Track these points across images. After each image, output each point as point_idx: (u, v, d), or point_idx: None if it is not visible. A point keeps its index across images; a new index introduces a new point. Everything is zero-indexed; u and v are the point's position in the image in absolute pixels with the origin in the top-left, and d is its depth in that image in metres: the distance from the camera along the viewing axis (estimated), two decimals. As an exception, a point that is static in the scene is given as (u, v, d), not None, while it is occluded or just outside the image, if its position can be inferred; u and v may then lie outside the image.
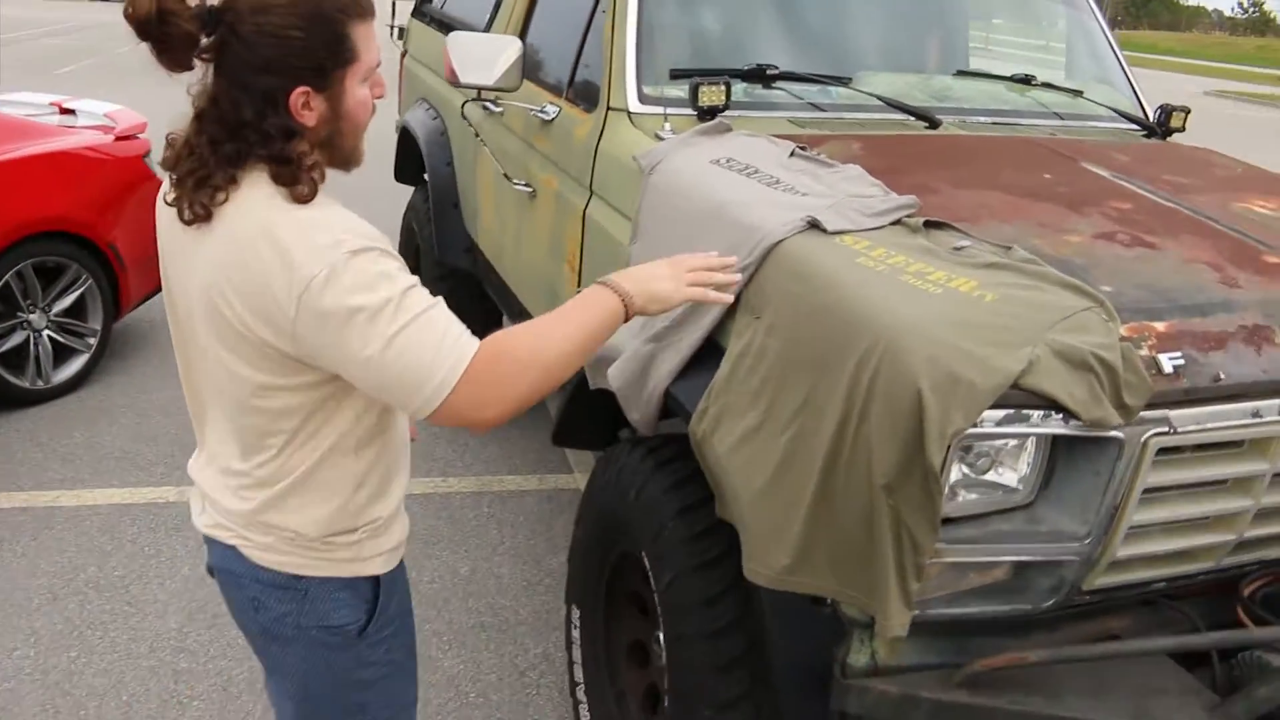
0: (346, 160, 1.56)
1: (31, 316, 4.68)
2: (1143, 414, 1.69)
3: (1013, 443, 1.72)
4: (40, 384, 4.74)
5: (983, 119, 2.98)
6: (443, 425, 1.53)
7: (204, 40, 1.44)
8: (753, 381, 1.93)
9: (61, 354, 4.86)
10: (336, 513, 1.61)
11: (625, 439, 2.56)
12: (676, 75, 2.78)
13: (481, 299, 4.23)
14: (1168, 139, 3.28)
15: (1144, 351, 1.74)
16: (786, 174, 2.27)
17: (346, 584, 1.67)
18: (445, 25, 4.66)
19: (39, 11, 27.78)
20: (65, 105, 5.47)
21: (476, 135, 3.74)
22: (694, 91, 2.63)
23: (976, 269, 1.85)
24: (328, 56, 1.45)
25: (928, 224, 2.01)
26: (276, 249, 1.40)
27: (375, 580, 1.70)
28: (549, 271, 3.11)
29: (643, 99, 2.75)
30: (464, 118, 3.70)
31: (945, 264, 1.87)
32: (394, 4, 7.83)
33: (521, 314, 3.49)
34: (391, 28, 6.10)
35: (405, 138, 4.87)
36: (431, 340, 1.41)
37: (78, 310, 4.86)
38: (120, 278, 4.95)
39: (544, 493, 4.30)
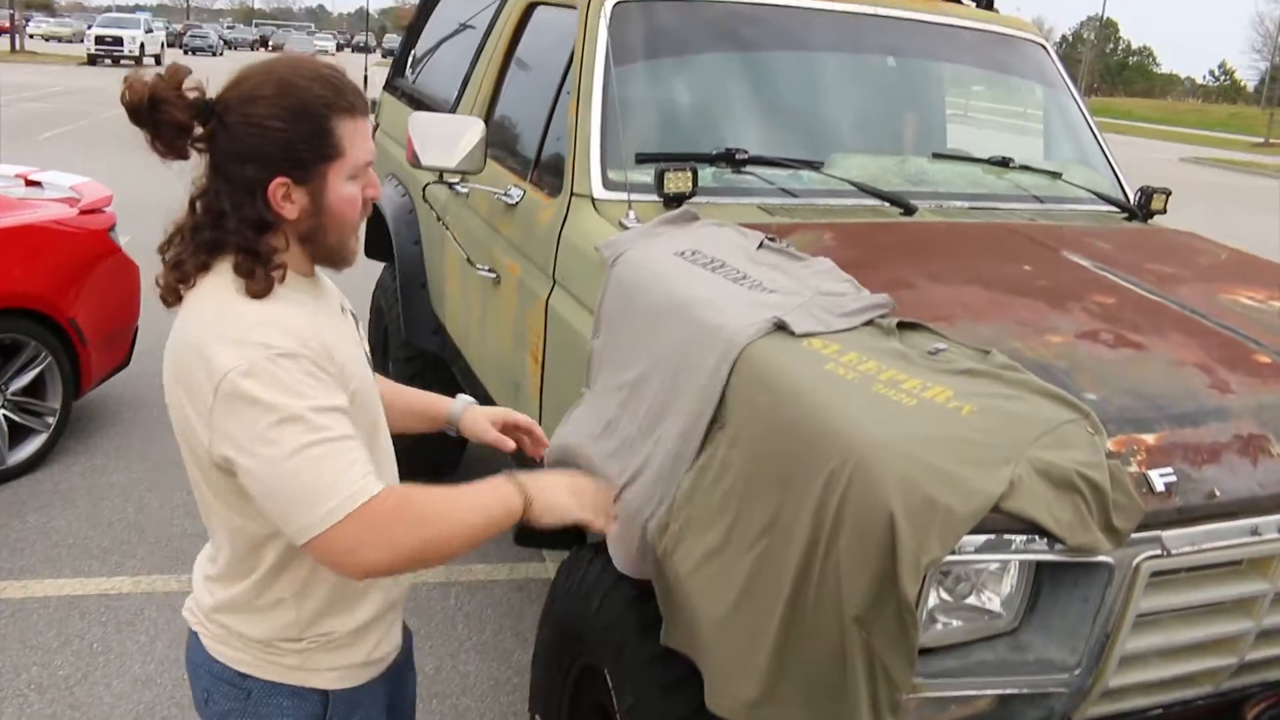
0: (333, 256, 1.56)
1: (-13, 396, 4.53)
2: (1134, 535, 1.57)
3: (994, 566, 1.59)
4: (-5, 465, 4.57)
5: (960, 203, 2.90)
6: (313, 557, 1.47)
7: (198, 129, 1.48)
8: (716, 496, 1.80)
9: (19, 433, 4.70)
10: (282, 624, 1.59)
11: (589, 544, 2.42)
12: (643, 160, 2.69)
13: (451, 383, 4.10)
14: (1149, 221, 3.20)
15: (1133, 467, 1.63)
16: (754, 268, 2.16)
17: (292, 692, 1.61)
18: (416, 100, 4.60)
19: (25, 76, 27.93)
20: (31, 177, 5.37)
21: (439, 219, 3.65)
22: (659, 178, 2.53)
23: (953, 376, 1.74)
24: (308, 150, 1.46)
25: (901, 325, 1.90)
26: (205, 336, 1.42)
27: (325, 695, 1.63)
28: (513, 363, 2.99)
29: (607, 185, 2.65)
30: (425, 200, 3.60)
31: (920, 371, 1.76)
32: (365, 76, 7.80)
33: (487, 403, 3.36)
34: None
35: (375, 214, 4.77)
36: (337, 467, 1.38)
37: (36, 388, 4.71)
38: (81, 354, 4.81)
39: (514, 582, 4.13)
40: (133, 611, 3.71)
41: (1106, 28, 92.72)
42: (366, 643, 1.66)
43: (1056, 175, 3.18)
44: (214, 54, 51.06)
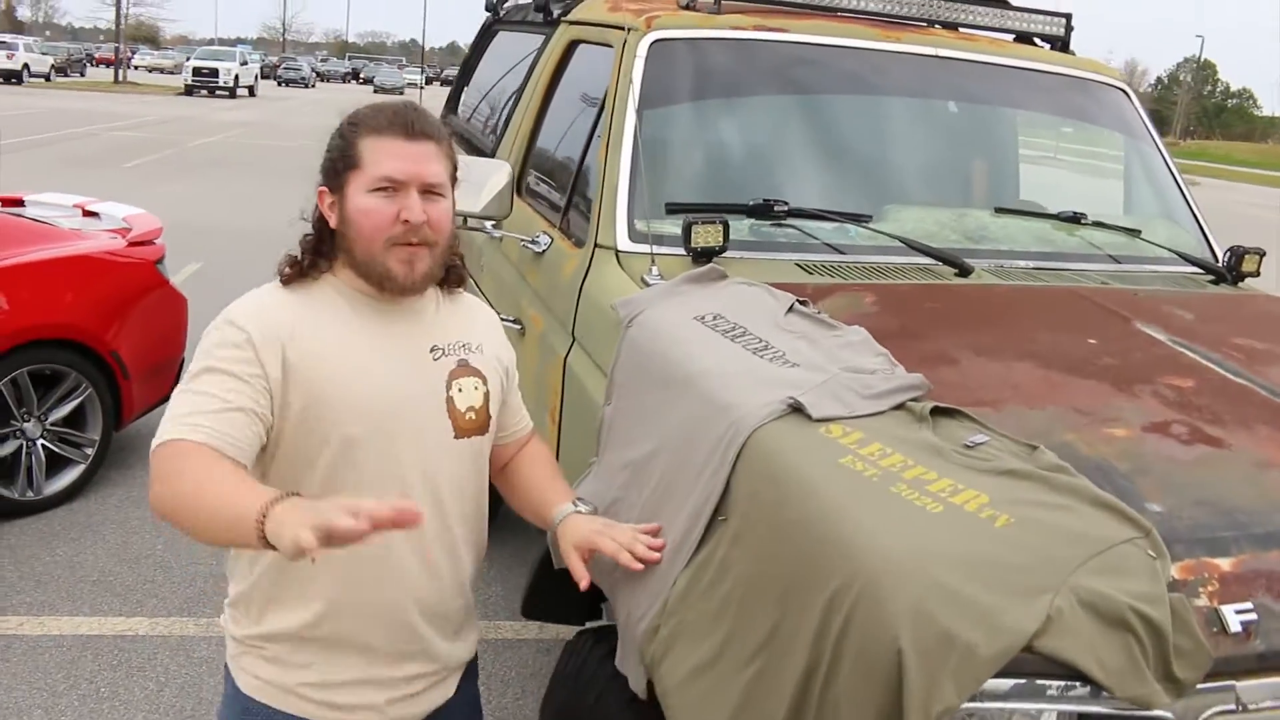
0: (370, 274, 1.64)
1: (26, 425, 4.49)
2: (1200, 686, 1.30)
3: (1024, 715, 1.34)
4: (30, 495, 4.52)
5: (1023, 263, 2.64)
6: None
7: None
8: (712, 602, 1.58)
9: (57, 463, 4.65)
10: (242, 590, 1.72)
11: (591, 629, 2.21)
12: (673, 210, 2.49)
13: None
14: (1239, 285, 2.89)
15: (1203, 601, 1.36)
16: (779, 336, 1.94)
17: (234, 692, 1.73)
18: (465, 139, 4.47)
19: (124, 105, 28.91)
20: (89, 208, 5.38)
21: (478, 261, 3.49)
22: (687, 231, 2.33)
23: (991, 477, 1.49)
24: (339, 159, 1.62)
25: (936, 411, 1.66)
26: None
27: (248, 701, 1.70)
28: (536, 421, 2.79)
29: (633, 236, 2.45)
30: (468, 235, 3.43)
31: (952, 468, 1.52)
32: None
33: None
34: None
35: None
36: (181, 410, 1.52)
37: (76, 419, 4.66)
38: (123, 386, 4.75)
39: (543, 644, 3.92)
40: (145, 655, 3.59)
41: (1204, 69, 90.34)
42: (302, 668, 1.69)
43: (1135, 232, 2.89)
44: (306, 85, 52.52)
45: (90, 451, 4.70)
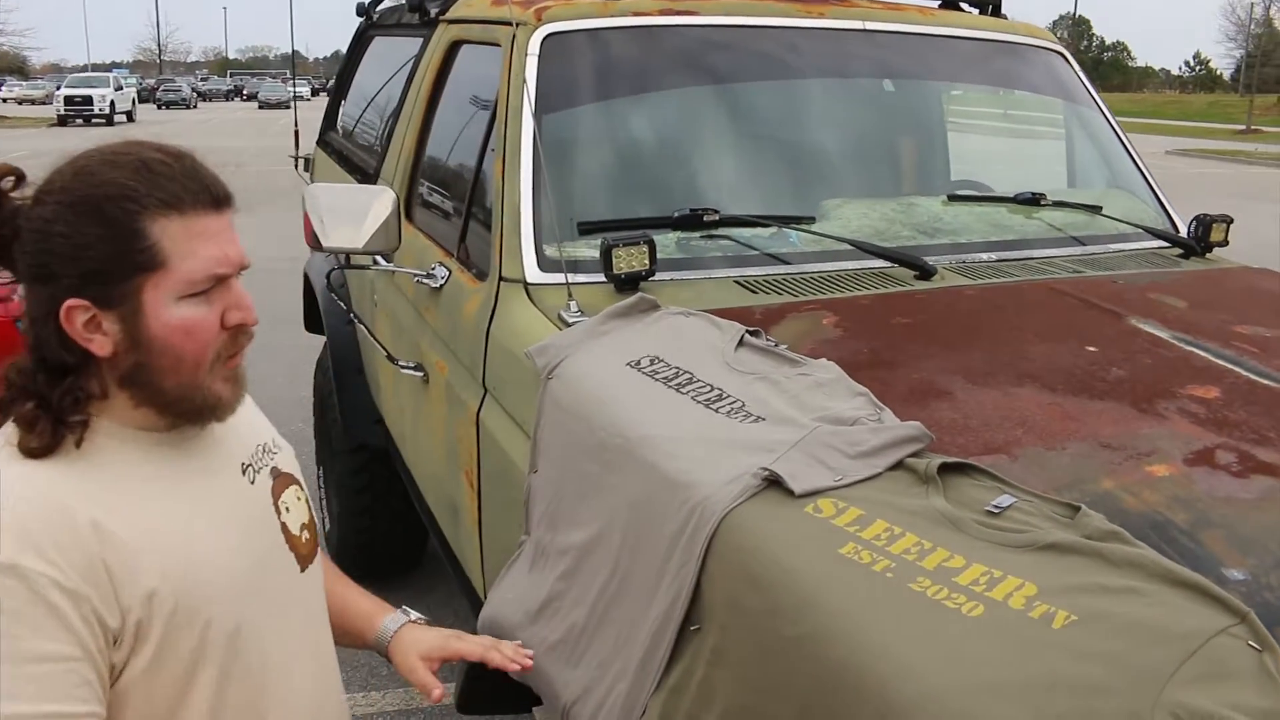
0: (184, 408, 1.19)
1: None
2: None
3: None
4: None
5: (984, 255, 2.34)
6: None
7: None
8: (695, 739, 1.24)
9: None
10: None
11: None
12: (587, 230, 2.13)
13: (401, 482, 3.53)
14: (1207, 256, 2.65)
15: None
16: (732, 380, 1.61)
17: None
18: (345, 157, 4.05)
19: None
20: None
21: (371, 296, 3.09)
22: (606, 255, 1.98)
23: (1030, 555, 1.18)
24: (108, 261, 1.11)
25: (944, 468, 1.34)
26: None
27: None
28: (448, 480, 2.42)
29: (543, 264, 2.10)
30: (329, 289, 3.04)
31: (980, 547, 1.20)
32: (296, 133, 7.31)
33: (430, 523, 2.79)
34: (295, 158, 5.50)
35: (308, 285, 4.22)
36: None
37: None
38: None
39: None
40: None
41: (1079, 25, 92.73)
42: None
43: (1096, 209, 2.63)
44: (188, 106, 50.74)
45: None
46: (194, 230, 1.13)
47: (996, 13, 2.98)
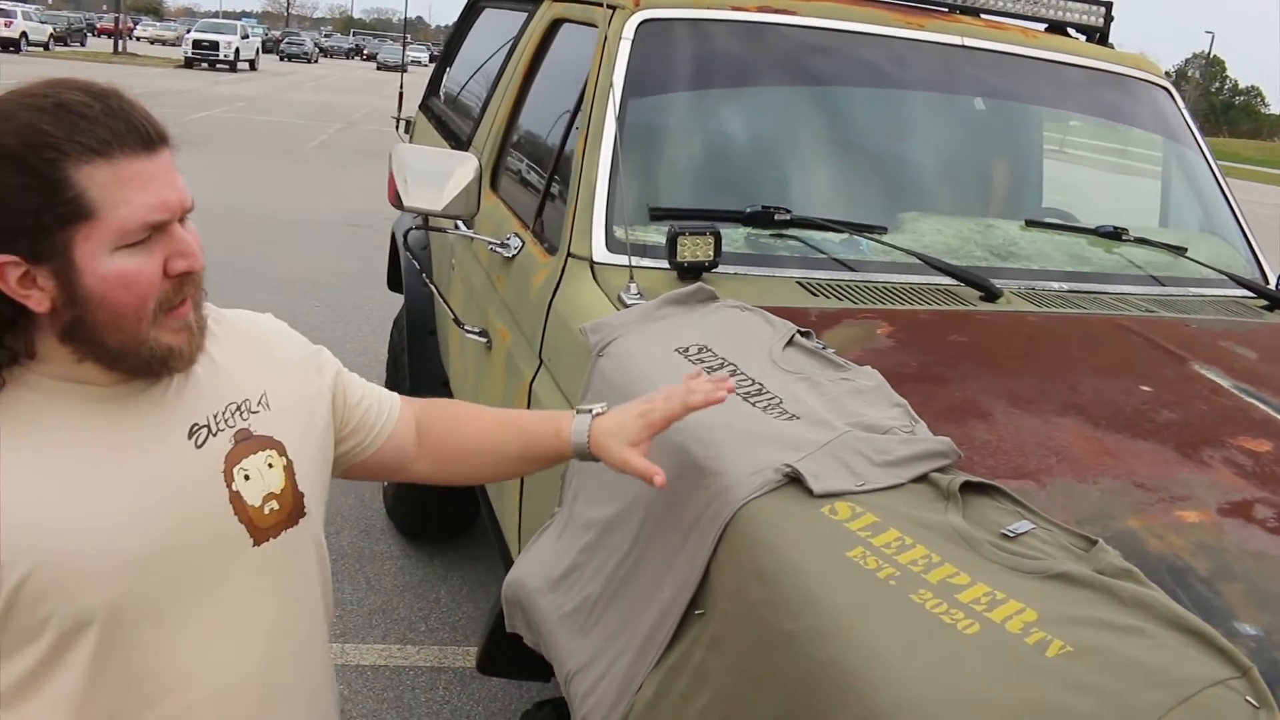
0: (131, 361, 1.12)
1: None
2: None
3: None
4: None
5: (1055, 285, 2.31)
6: None
7: None
8: (686, 717, 1.27)
9: None
10: None
11: (549, 701, 1.90)
12: (657, 216, 2.16)
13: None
14: (1295, 311, 2.57)
15: (1319, 766, 1.05)
16: (775, 377, 1.62)
17: None
18: (444, 124, 4.14)
19: (123, 77, 28.40)
20: None
21: (450, 260, 3.16)
22: (672, 242, 2.00)
23: (1037, 582, 1.18)
24: (32, 215, 1.03)
25: (966, 487, 1.34)
26: None
27: None
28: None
29: (611, 245, 2.13)
30: (406, 248, 3.12)
31: (988, 568, 1.20)
32: (400, 95, 7.44)
33: (479, 489, 2.85)
34: (397, 120, 5.62)
35: (394, 245, 4.33)
36: None
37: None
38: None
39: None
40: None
41: (1213, 66, 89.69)
42: None
43: (1180, 250, 2.57)
44: (309, 60, 51.93)
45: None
46: (123, 176, 1.05)
47: (1104, 42, 2.92)
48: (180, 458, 1.18)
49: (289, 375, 1.33)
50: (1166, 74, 3.02)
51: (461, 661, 3.64)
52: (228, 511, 1.20)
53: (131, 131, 1.06)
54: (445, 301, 2.98)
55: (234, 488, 1.20)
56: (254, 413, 1.25)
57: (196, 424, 1.20)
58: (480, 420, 1.52)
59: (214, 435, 1.21)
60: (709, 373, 1.64)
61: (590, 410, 1.43)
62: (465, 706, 3.40)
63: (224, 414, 1.22)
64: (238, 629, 1.22)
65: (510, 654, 2.15)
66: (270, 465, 1.24)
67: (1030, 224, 2.47)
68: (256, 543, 1.23)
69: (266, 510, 1.23)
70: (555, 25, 2.95)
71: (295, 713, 1.30)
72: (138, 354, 1.11)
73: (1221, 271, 2.55)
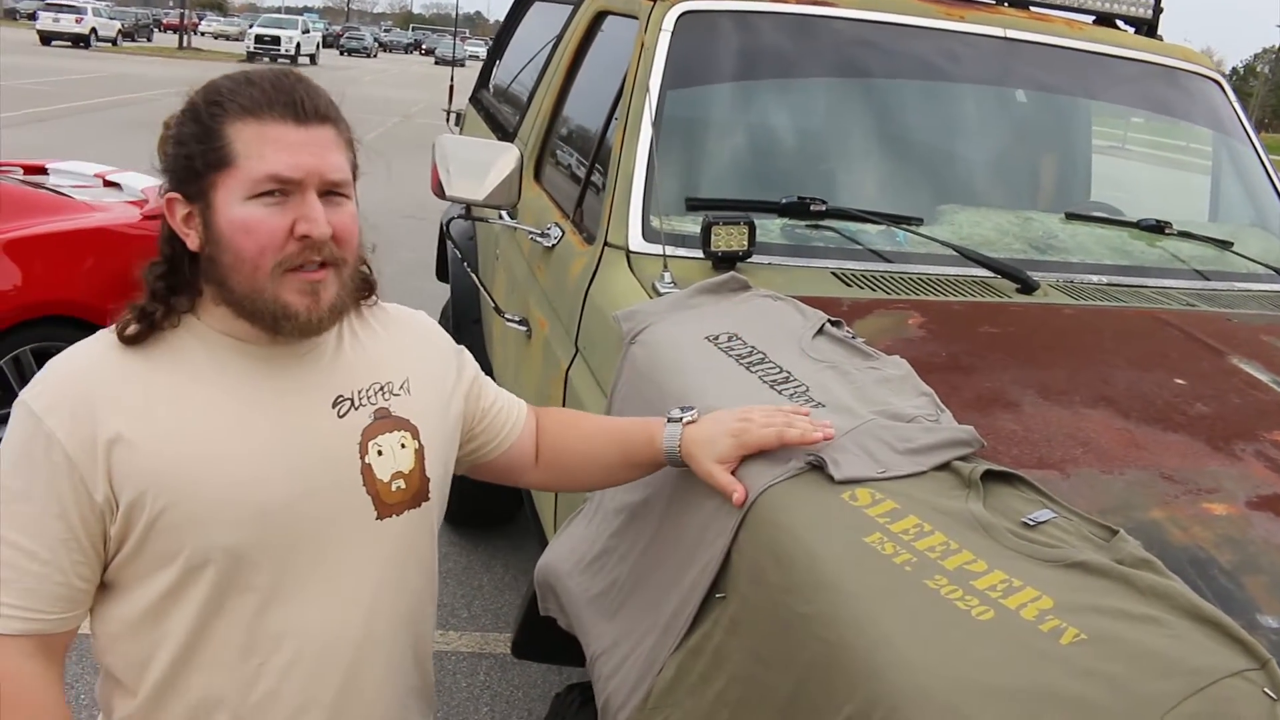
0: (252, 310, 1.21)
1: (30, 406, 4.30)
2: None
3: None
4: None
5: (1095, 278, 2.29)
6: None
7: None
8: (704, 699, 1.29)
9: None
10: None
11: (578, 685, 1.93)
12: (694, 206, 2.18)
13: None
14: (1346, 309, 2.52)
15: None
16: (802, 366, 1.63)
17: None
18: (491, 116, 4.19)
19: (185, 72, 28.97)
20: (110, 178, 5.20)
21: (495, 250, 3.20)
22: (706, 231, 2.02)
23: (1055, 570, 1.18)
24: (194, 157, 1.19)
25: (988, 475, 1.34)
26: None
27: None
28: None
29: (648, 235, 2.15)
30: (448, 237, 3.16)
31: (1006, 555, 1.20)
32: (451, 88, 7.52)
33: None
34: (448, 113, 5.69)
35: (444, 235, 4.39)
36: None
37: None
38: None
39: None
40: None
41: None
42: None
43: (1227, 245, 2.53)
44: (368, 55, 52.55)
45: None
46: (268, 135, 1.17)
47: (1153, 34, 2.88)
48: (322, 424, 1.27)
49: (431, 367, 1.41)
50: (1235, 70, 2.97)
51: (502, 648, 3.69)
52: (358, 481, 1.28)
53: (287, 102, 1.19)
54: (487, 291, 3.03)
55: (366, 460, 1.28)
56: (395, 395, 1.33)
57: (341, 395, 1.29)
58: (580, 429, 1.58)
59: (356, 409, 1.29)
60: (737, 362, 1.66)
61: (680, 418, 1.45)
62: (505, 691, 3.44)
63: (368, 391, 1.31)
64: (344, 595, 1.28)
65: (543, 638, 2.18)
66: (403, 445, 1.32)
67: (1071, 217, 2.44)
68: (380, 516, 1.30)
69: (394, 487, 1.30)
70: (599, 17, 2.98)
71: (381, 689, 1.34)
72: (255, 303, 1.20)
73: (1269, 266, 2.51)
